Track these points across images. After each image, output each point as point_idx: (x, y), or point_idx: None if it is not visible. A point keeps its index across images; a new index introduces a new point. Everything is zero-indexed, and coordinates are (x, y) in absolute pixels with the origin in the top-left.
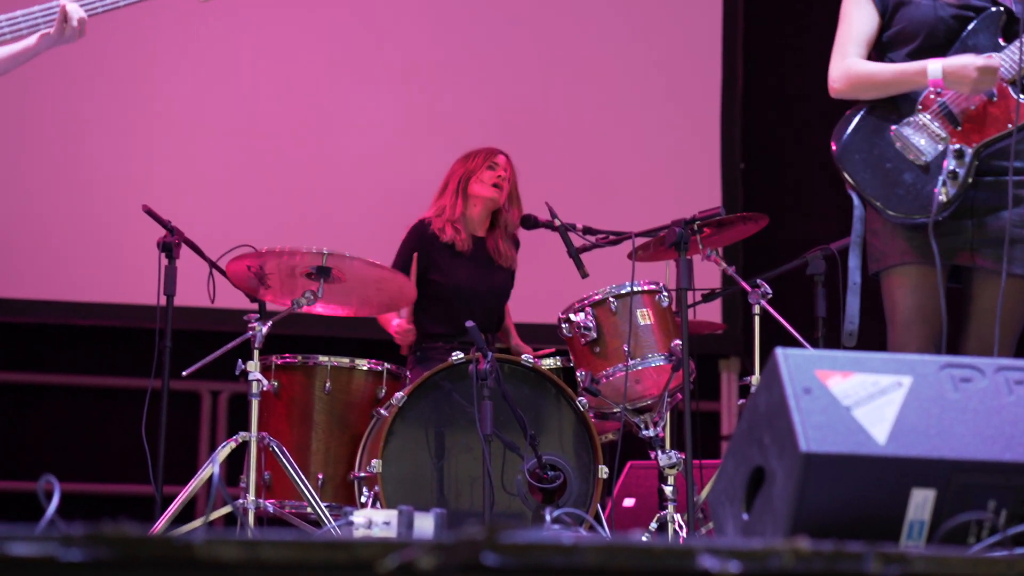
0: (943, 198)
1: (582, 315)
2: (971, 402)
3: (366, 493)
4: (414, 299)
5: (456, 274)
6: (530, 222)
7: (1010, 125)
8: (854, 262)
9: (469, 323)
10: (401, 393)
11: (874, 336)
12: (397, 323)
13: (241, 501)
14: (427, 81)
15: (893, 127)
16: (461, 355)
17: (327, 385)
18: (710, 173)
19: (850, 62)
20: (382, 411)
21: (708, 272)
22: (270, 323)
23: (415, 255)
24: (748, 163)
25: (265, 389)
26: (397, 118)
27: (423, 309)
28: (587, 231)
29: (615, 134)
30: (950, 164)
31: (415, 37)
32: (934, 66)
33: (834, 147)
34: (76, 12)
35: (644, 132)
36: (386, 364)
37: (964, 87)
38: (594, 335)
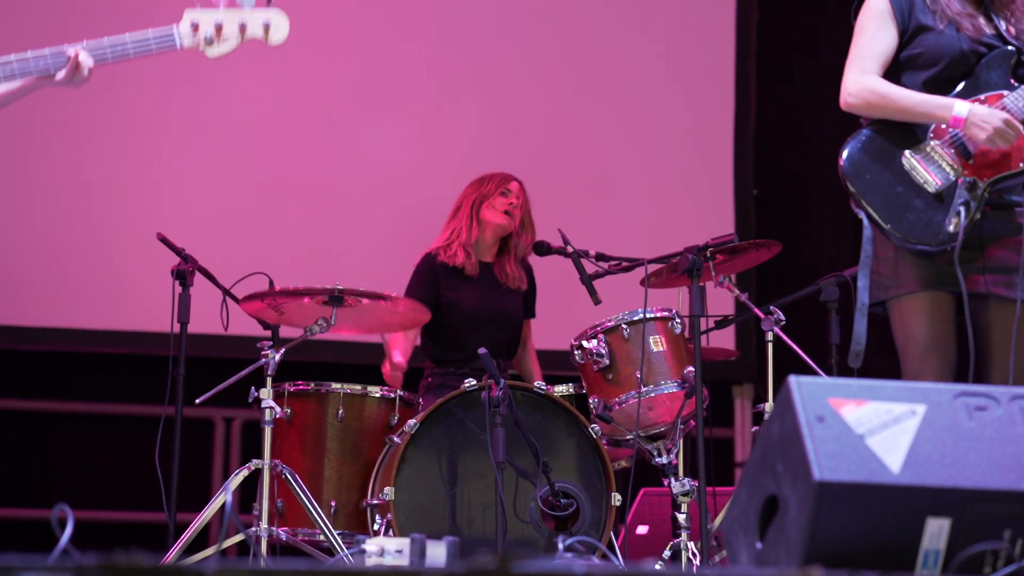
0: (952, 228)
1: (595, 342)
2: (986, 431)
3: (379, 521)
4: (428, 319)
5: (465, 299)
6: (543, 248)
7: (1022, 164)
8: (863, 283)
9: (481, 350)
10: (414, 420)
11: (885, 368)
12: (397, 361)
13: (254, 529)
14: (438, 108)
15: (906, 152)
16: (474, 382)
17: (340, 412)
18: (723, 199)
19: (870, 79)
20: (395, 438)
21: (721, 299)
22: (283, 350)
23: (428, 281)
24: (761, 189)
25: (278, 416)
26: (408, 143)
27: (433, 336)
28: (600, 258)
29: (628, 160)
30: (962, 196)
31: (427, 64)
32: (961, 107)
33: (841, 163)
34: (87, 61)
35: (657, 158)
36: (399, 391)
37: (982, 135)
38: (607, 362)
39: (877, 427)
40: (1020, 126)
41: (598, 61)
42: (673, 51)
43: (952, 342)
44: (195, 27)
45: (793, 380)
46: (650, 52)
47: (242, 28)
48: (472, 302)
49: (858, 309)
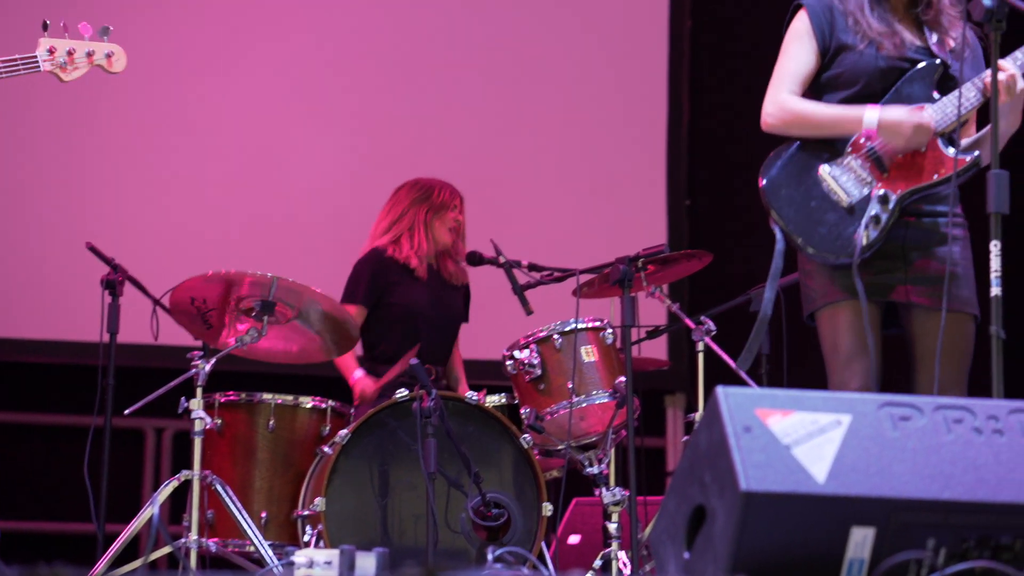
0: (864, 241)
1: (527, 352)
2: (910, 441)
3: (309, 531)
4: (357, 340)
5: (414, 297)
6: (476, 259)
7: (936, 176)
8: (769, 294)
9: (413, 360)
10: (345, 431)
11: (815, 376)
12: (363, 385)
13: (183, 540)
14: (373, 114)
15: (821, 166)
16: (406, 392)
17: (271, 423)
18: (656, 209)
19: (786, 98)
20: (326, 449)
21: (654, 309)
22: (214, 360)
23: (373, 277)
24: (694, 199)
25: (208, 427)
26: (343, 151)
27: (379, 333)
28: (532, 268)
29: (561, 170)
30: (873, 208)
31: (363, 73)
32: (871, 115)
33: (761, 181)
34: None
35: (590, 169)
36: (330, 401)
37: (896, 141)
38: (538, 372)
39: (803, 437)
40: (930, 126)
41: (531, 70)
42: (606, 60)
43: (877, 350)
44: (51, 51)
45: (720, 391)
46: (583, 61)
47: (90, 56)
48: (422, 300)
49: (760, 319)
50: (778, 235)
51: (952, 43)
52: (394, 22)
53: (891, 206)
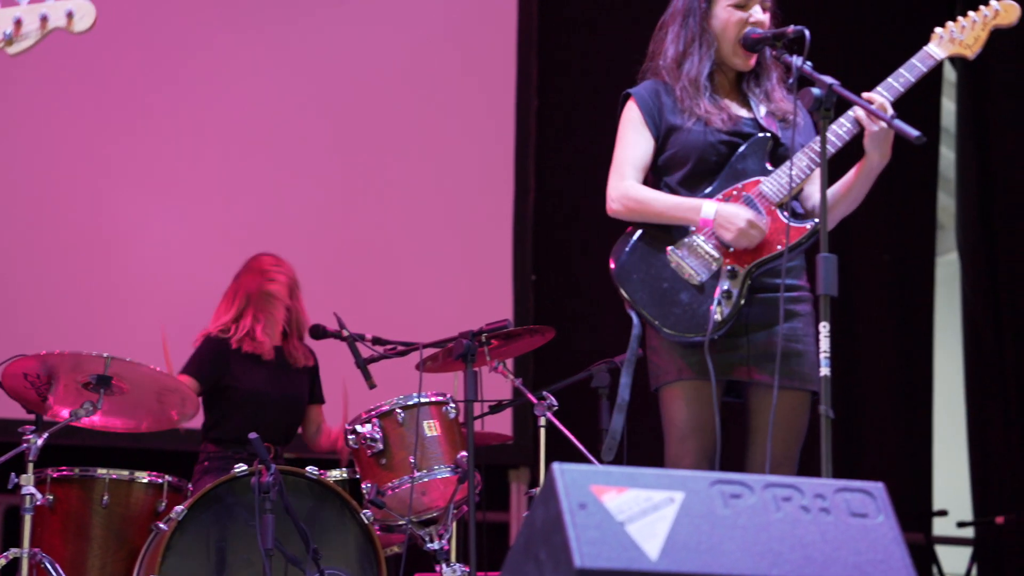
0: (718, 317)
1: (368, 426)
2: (740, 518)
3: None
4: (196, 412)
5: (257, 383)
6: (319, 332)
7: (779, 247)
8: (625, 379)
9: (252, 435)
10: (181, 507)
11: (656, 452)
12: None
13: None
14: (217, 188)
15: (669, 248)
16: (244, 467)
17: (104, 498)
18: (502, 285)
19: (628, 185)
20: (161, 525)
21: (499, 383)
22: (46, 435)
23: (212, 361)
24: (539, 275)
25: (39, 503)
26: (182, 227)
27: (219, 417)
28: (376, 341)
29: (407, 244)
30: (724, 284)
31: (204, 144)
32: (708, 208)
33: (612, 266)
34: None
35: (437, 243)
36: (167, 476)
37: (729, 235)
38: (380, 447)
39: (637, 514)
40: (764, 225)
41: (379, 142)
42: (454, 134)
43: (712, 428)
44: None
45: (557, 467)
46: (432, 134)
47: (43, 20)
48: (261, 385)
49: (617, 406)
50: (634, 319)
51: (780, 111)
52: (241, 91)
53: (740, 280)
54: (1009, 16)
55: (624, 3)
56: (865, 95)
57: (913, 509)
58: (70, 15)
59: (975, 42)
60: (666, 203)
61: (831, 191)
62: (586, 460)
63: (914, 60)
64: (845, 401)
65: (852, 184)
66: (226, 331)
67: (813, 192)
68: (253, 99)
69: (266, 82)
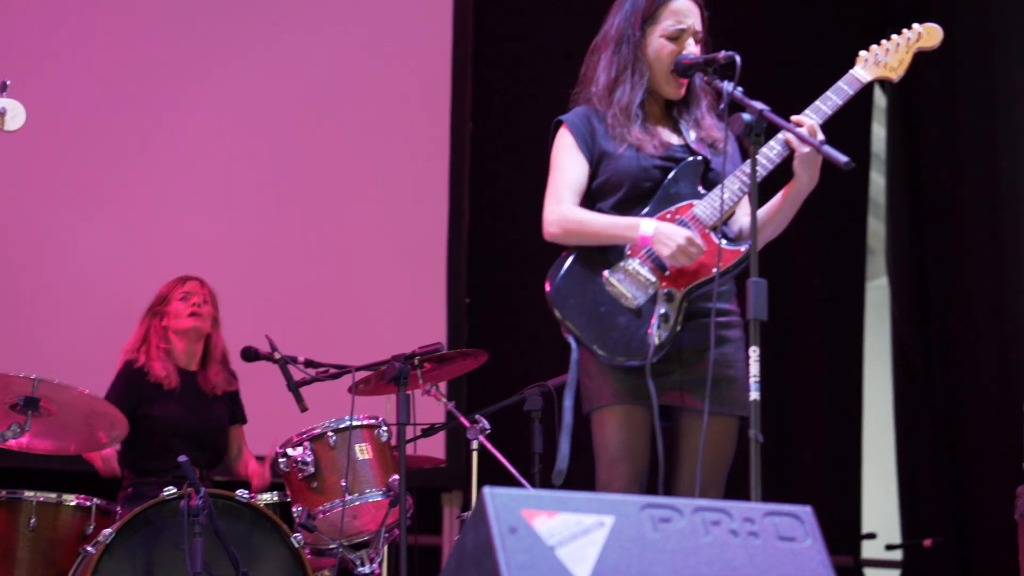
0: (656, 340)
1: (300, 449)
2: (670, 542)
3: None
4: (126, 435)
5: (168, 413)
6: (250, 354)
7: (715, 270)
8: (568, 403)
9: (182, 458)
10: (109, 530)
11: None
12: (106, 456)
13: None
14: (151, 207)
15: (605, 272)
16: (174, 490)
17: (32, 521)
18: (436, 307)
19: (565, 208)
20: (89, 548)
21: (432, 406)
22: None
23: (127, 392)
24: (474, 298)
25: None
26: (113, 245)
27: (135, 447)
28: (309, 364)
29: (341, 266)
30: (661, 308)
31: (134, 161)
32: (647, 225)
33: (548, 289)
34: None
35: (371, 266)
36: (95, 499)
37: (667, 251)
38: (312, 470)
39: (567, 538)
40: (703, 243)
41: (313, 164)
42: (389, 159)
43: (643, 452)
44: None
45: (487, 491)
46: (367, 158)
47: None
48: (175, 415)
49: (563, 429)
50: (572, 344)
51: (709, 138)
52: (174, 109)
53: (677, 303)
54: (932, 39)
55: (559, 29)
56: (794, 119)
57: (842, 532)
58: (2, 114)
59: (899, 64)
60: (604, 222)
61: (759, 213)
62: (518, 484)
63: (841, 83)
64: (775, 425)
65: (780, 207)
66: (135, 361)
67: (740, 216)
68: (187, 117)
69: (201, 101)
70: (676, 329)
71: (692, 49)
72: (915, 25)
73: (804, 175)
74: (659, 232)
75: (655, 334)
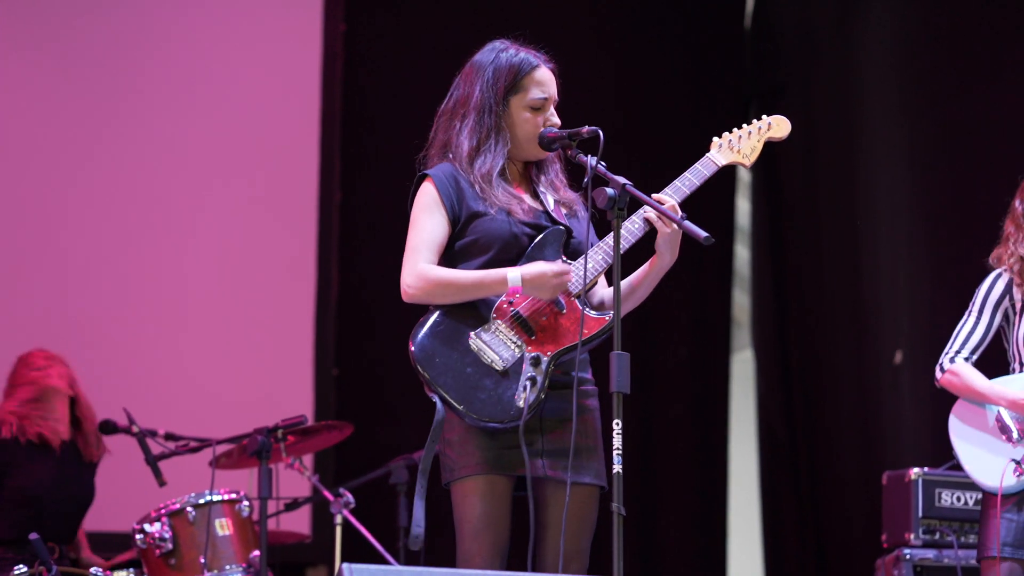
0: (521, 404)
1: (158, 525)
2: None
3: None
4: None
5: (43, 478)
6: (108, 427)
7: (580, 337)
8: (424, 466)
9: (33, 535)
10: None
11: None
12: None
13: None
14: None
15: (471, 333)
16: (24, 568)
17: None
18: (303, 379)
19: (425, 267)
20: None
21: (297, 480)
22: None
23: None
24: (342, 368)
25: None
26: None
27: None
28: (169, 437)
29: (205, 337)
30: (528, 371)
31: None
32: (513, 274)
33: (412, 348)
34: None
35: (236, 336)
36: None
37: (543, 292)
38: (170, 546)
39: None
40: (568, 269)
41: (181, 230)
42: (256, 229)
43: (506, 523)
44: None
45: (347, 568)
46: (234, 228)
47: None
48: (47, 480)
49: (417, 492)
50: (438, 404)
51: (566, 202)
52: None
53: (544, 367)
54: (780, 130)
55: (426, 100)
56: (655, 196)
57: None
58: None
59: (752, 152)
60: (468, 278)
61: (622, 284)
62: (382, 559)
63: (698, 165)
64: (640, 496)
65: (642, 280)
66: (3, 423)
67: (599, 288)
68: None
69: (66, 169)
70: (541, 396)
71: (555, 120)
72: (764, 116)
73: (667, 252)
74: (526, 279)
75: (521, 396)
